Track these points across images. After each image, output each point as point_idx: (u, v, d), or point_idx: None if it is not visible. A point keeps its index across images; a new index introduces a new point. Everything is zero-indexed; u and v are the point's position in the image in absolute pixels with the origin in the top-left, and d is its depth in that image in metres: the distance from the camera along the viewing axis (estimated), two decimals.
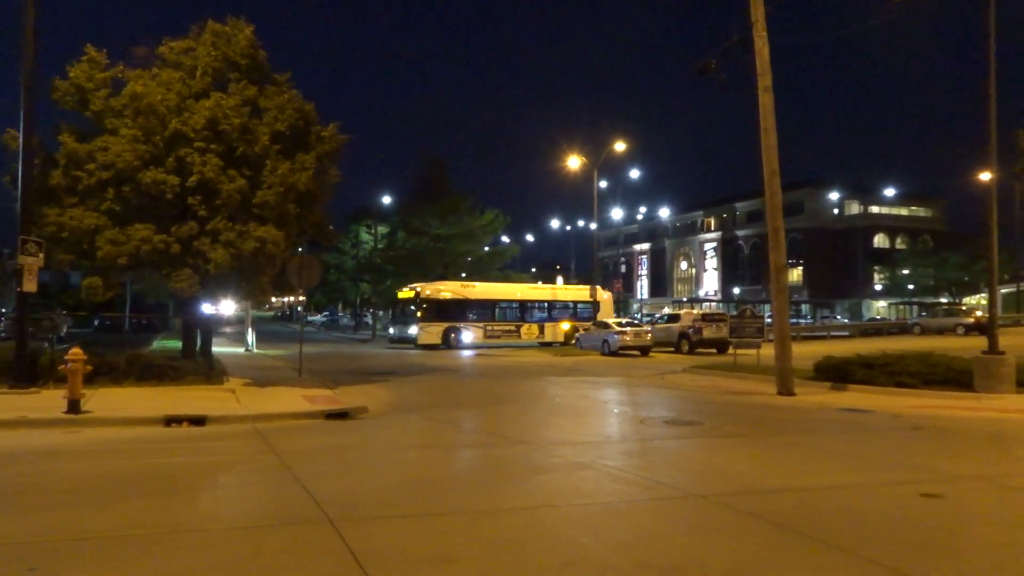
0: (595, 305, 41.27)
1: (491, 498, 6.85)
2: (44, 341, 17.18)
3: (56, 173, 15.39)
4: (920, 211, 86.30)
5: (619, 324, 34.44)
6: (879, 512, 6.32)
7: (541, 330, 39.99)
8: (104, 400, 12.31)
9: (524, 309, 40.51)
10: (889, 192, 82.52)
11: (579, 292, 43.65)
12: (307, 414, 12.30)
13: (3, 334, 35.06)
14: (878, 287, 78.63)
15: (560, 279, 65.80)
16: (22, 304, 13.90)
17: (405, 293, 39.20)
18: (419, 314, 36.77)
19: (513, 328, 39.51)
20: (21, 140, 13.67)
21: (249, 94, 16.39)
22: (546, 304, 41.57)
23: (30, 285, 13.51)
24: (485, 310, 39.15)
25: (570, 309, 41.64)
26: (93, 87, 15.96)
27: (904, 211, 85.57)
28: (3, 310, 50.42)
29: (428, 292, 37.62)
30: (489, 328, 38.63)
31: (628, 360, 29.10)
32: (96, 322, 52.18)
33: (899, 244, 79.82)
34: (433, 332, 36.52)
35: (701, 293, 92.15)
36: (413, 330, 36.94)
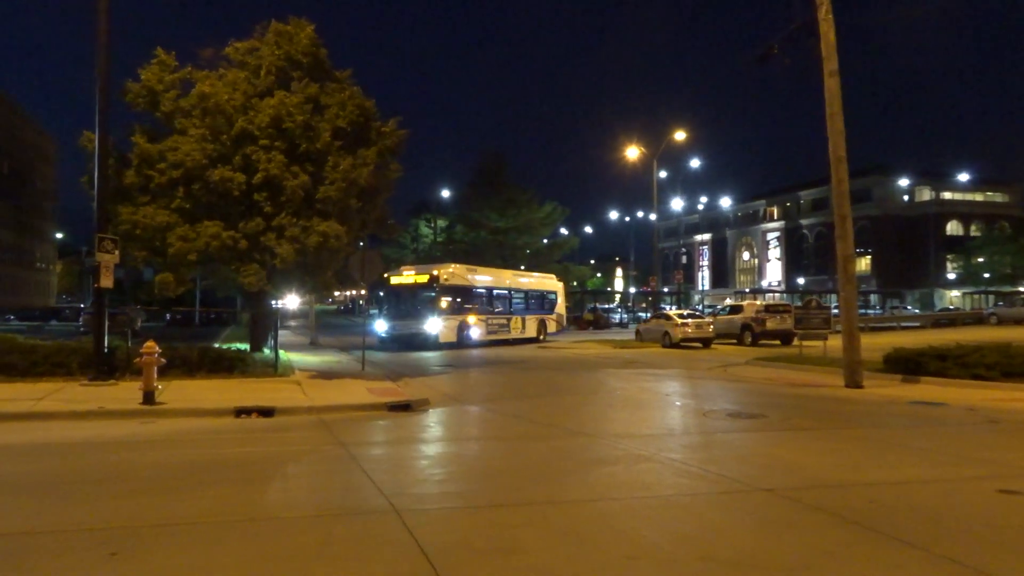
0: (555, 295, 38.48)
1: (553, 490, 6.86)
2: (121, 335, 17.82)
3: (129, 173, 15.94)
4: (996, 196, 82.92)
5: (680, 315, 34.02)
6: (954, 508, 6.12)
7: (523, 324, 34.62)
8: (177, 392, 12.74)
9: (512, 298, 34.79)
10: (963, 177, 79.64)
11: (544, 281, 39.38)
12: (371, 406, 12.49)
13: (82, 328, 36.68)
14: (951, 276, 75.95)
15: (620, 271, 65.19)
16: (100, 299, 14.46)
17: (412, 277, 30.63)
18: (441, 305, 29.14)
19: (504, 322, 33.49)
20: (97, 142, 14.16)
21: (311, 92, 16.70)
22: (531, 293, 36.46)
23: (107, 281, 14.04)
24: (485, 300, 32.77)
25: (540, 298, 37.14)
26: (163, 88, 16.48)
27: (979, 196, 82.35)
28: (82, 305, 52.68)
29: (445, 277, 29.87)
30: (490, 321, 32.34)
31: (689, 352, 28.73)
32: (168, 316, 54.13)
33: (973, 231, 76.82)
34: (451, 327, 29.42)
35: (764, 284, 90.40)
36: (433, 326, 28.73)
